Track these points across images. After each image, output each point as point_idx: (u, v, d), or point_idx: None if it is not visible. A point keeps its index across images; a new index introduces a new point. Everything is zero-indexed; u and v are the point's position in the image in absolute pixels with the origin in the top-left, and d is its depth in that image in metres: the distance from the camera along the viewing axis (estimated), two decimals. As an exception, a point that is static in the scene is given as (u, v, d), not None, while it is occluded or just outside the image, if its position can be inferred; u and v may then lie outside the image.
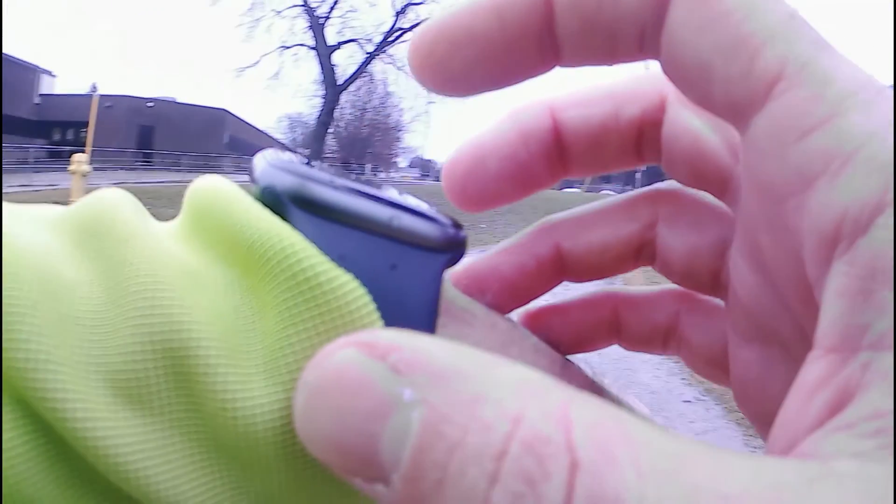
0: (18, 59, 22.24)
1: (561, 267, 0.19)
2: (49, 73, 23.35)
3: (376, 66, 20.58)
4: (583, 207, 0.19)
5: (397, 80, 24.08)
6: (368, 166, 29.96)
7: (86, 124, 21.62)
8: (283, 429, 0.12)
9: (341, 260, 0.13)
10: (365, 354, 0.11)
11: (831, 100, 0.11)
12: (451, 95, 0.15)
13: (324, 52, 18.59)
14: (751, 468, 0.09)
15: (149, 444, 0.12)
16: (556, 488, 0.09)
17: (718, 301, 0.18)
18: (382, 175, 29.22)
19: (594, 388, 0.17)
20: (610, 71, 0.16)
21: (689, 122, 0.16)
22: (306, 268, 0.12)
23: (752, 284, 0.15)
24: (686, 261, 0.18)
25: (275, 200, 0.13)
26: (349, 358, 0.11)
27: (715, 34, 0.12)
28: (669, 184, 0.18)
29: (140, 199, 0.15)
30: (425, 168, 38.87)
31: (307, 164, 0.13)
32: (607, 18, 0.13)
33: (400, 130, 31.33)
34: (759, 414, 0.16)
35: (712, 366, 0.18)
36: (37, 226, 0.13)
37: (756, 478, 0.09)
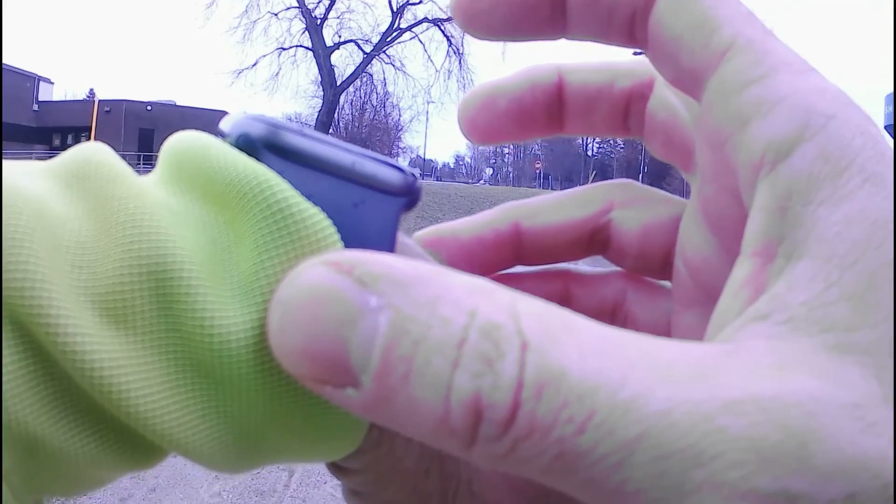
0: (16, 68, 22.25)
1: (517, 246, 0.21)
2: (47, 80, 23.39)
3: (375, 67, 20.51)
4: (543, 196, 0.22)
5: (396, 81, 24.10)
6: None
7: (85, 129, 21.71)
8: (256, 347, 0.13)
9: (309, 198, 0.14)
10: (333, 270, 0.12)
11: (769, 64, 0.14)
12: (477, 34, 0.17)
13: (322, 54, 18.55)
14: (678, 347, 0.12)
15: (131, 360, 0.12)
16: (511, 364, 0.11)
17: (664, 283, 0.21)
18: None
19: None
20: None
21: (669, 98, 0.19)
22: (280, 199, 0.13)
23: (699, 241, 0.17)
24: (640, 240, 0.20)
25: (249, 147, 0.14)
26: (319, 274, 0.12)
27: (687, 15, 0.15)
28: (622, 180, 0.21)
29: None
30: (425, 167, 38.86)
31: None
32: None
33: (399, 130, 31.34)
34: None
35: None
36: (32, 175, 0.14)
37: (682, 353, 0.11)
